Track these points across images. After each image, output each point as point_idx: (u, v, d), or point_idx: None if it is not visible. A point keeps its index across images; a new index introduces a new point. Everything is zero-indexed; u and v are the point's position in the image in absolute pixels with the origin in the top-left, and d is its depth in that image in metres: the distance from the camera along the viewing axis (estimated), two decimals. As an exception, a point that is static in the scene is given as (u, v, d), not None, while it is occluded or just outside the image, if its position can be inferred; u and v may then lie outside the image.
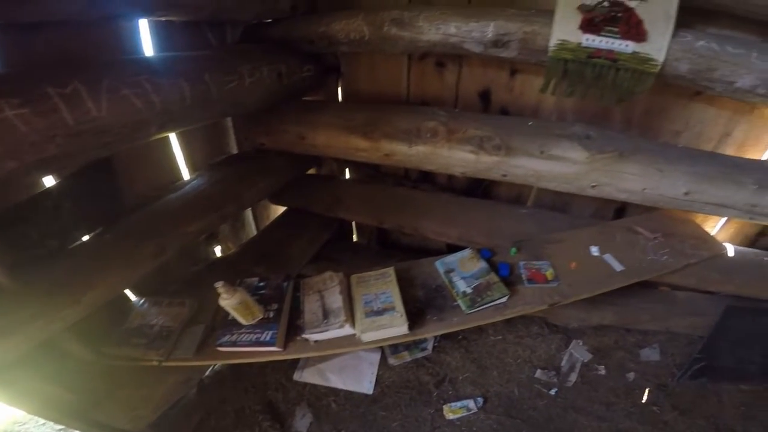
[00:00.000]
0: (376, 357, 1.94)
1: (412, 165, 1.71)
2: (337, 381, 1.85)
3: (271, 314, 1.33)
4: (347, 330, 1.31)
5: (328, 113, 1.73)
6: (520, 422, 1.71)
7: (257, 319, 1.31)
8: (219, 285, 1.19)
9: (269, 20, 1.72)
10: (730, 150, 1.64)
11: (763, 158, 1.63)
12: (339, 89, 2.00)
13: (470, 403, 1.74)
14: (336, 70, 1.94)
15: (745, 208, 1.44)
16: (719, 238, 1.81)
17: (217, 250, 2.03)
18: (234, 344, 1.26)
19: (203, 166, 1.76)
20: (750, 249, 1.84)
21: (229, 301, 1.21)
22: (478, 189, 2.11)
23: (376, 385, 1.85)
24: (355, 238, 2.56)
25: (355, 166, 2.21)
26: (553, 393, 1.82)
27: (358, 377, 1.87)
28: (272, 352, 1.29)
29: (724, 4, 1.28)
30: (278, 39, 1.70)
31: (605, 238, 1.65)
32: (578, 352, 1.99)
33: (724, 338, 1.83)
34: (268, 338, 1.25)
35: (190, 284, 1.71)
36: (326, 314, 1.32)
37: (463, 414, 1.71)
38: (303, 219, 2.20)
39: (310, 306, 1.36)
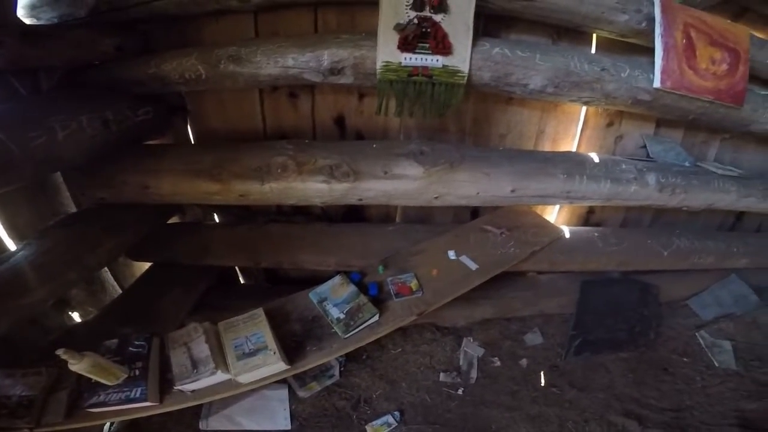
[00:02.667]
0: (284, 393, 1.85)
1: (271, 202, 1.67)
2: (249, 423, 1.75)
3: (137, 372, 1.33)
4: (221, 376, 1.31)
5: (171, 158, 1.63)
6: (439, 427, 1.74)
7: (122, 379, 1.30)
8: (60, 352, 1.14)
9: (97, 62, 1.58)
10: (547, 145, 1.89)
11: (573, 149, 1.91)
12: (189, 129, 1.90)
13: (389, 419, 1.75)
14: (183, 109, 1.83)
15: (563, 195, 1.66)
16: (559, 221, 2.06)
17: (76, 316, 1.83)
18: (104, 404, 1.26)
19: (33, 233, 1.53)
20: (583, 228, 2.11)
21: (78, 365, 1.18)
22: (339, 214, 2.12)
23: (292, 419, 1.77)
24: (241, 280, 2.43)
25: (221, 208, 2.09)
26: (460, 392, 1.88)
27: (271, 415, 1.78)
28: (148, 407, 1.29)
29: (514, 9, 1.43)
30: (104, 82, 1.56)
31: (461, 240, 1.78)
32: (471, 349, 2.08)
33: (589, 312, 2.04)
34: (137, 395, 1.27)
35: (47, 353, 1.50)
36: (195, 364, 1.31)
37: (386, 430, 1.71)
38: (174, 271, 2.01)
39: (177, 359, 1.35)
